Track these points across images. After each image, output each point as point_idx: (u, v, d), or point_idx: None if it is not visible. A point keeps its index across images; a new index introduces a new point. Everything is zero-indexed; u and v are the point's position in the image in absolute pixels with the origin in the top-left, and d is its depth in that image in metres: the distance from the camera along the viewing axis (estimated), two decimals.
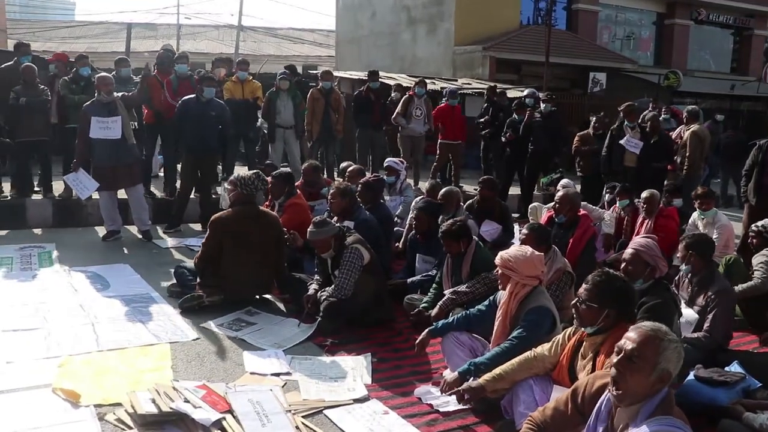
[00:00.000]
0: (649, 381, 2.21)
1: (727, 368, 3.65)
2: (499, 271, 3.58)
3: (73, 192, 7.89)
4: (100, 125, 6.64)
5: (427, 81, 14.10)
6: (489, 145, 11.15)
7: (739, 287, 4.89)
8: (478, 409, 3.37)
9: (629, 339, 2.27)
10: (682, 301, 4.30)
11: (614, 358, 2.28)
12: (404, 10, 21.72)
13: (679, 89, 20.23)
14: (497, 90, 11.94)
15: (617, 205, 7.19)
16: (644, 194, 6.54)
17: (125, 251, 6.68)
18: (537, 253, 3.63)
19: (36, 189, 8.07)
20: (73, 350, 4.01)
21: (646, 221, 6.50)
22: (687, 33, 24.63)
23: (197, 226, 7.88)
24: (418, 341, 3.84)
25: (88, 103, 6.80)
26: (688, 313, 4.19)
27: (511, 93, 14.47)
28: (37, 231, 7.47)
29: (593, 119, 9.79)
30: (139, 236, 7.20)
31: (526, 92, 10.33)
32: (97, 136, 6.67)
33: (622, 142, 8.37)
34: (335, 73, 11.67)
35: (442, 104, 10.46)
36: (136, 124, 7.65)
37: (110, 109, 6.73)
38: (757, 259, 5.12)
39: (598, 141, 9.04)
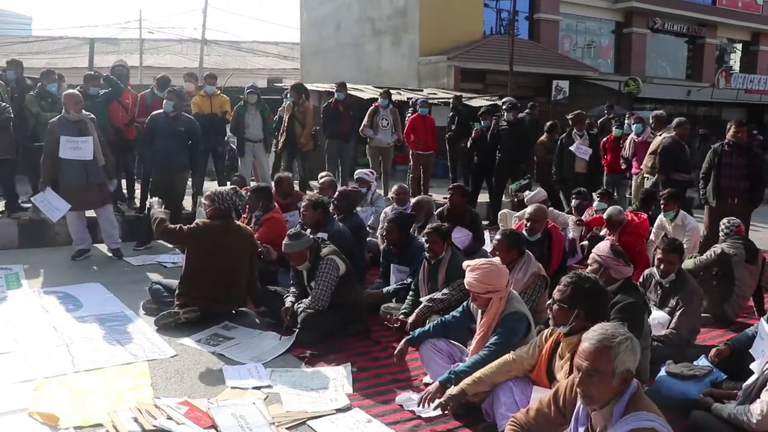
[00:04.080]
0: (613, 385, 2.31)
1: (695, 362, 3.80)
2: (479, 297, 3.57)
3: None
4: (70, 145, 6.49)
5: (393, 92, 14.26)
6: (455, 154, 11.32)
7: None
8: (459, 413, 3.42)
9: (582, 355, 2.34)
10: (652, 303, 4.45)
11: (576, 377, 2.37)
12: (369, 21, 21.90)
13: (639, 95, 20.82)
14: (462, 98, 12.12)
15: (593, 206, 7.40)
16: (606, 213, 6.61)
17: (96, 270, 6.58)
18: (495, 259, 3.76)
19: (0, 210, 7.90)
20: (48, 372, 3.94)
21: (613, 235, 6.62)
22: (644, 41, 25.37)
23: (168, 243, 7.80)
24: (396, 351, 3.87)
25: (54, 120, 6.63)
26: (660, 315, 4.34)
27: (477, 102, 14.71)
28: (2, 253, 7.29)
29: (546, 125, 10.12)
30: (110, 254, 7.11)
31: (504, 99, 10.48)
32: (68, 156, 6.51)
33: (572, 148, 8.73)
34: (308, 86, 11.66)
35: (414, 115, 10.53)
36: None
37: (80, 128, 6.59)
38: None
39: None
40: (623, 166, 9.32)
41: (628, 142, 9.13)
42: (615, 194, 9.62)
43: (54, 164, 6.57)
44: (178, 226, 4.91)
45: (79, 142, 6.53)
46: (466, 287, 3.63)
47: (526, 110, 12.25)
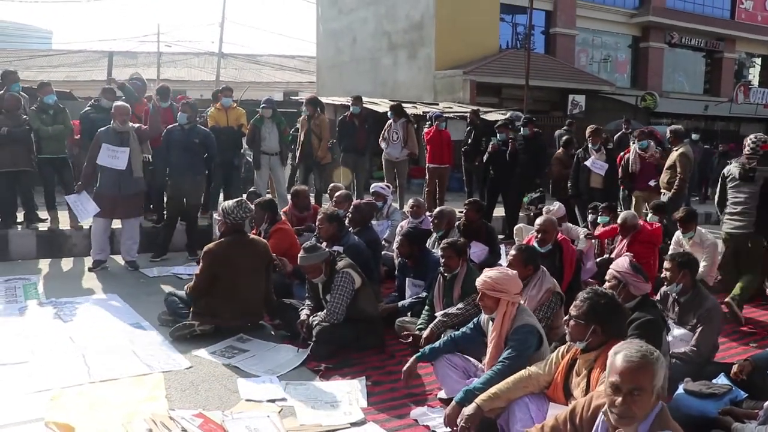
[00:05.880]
0: (651, 402, 2.28)
1: (714, 380, 3.74)
2: (486, 296, 3.60)
3: (70, 220, 7.86)
4: (108, 153, 6.74)
5: (409, 105, 14.30)
6: (471, 168, 11.32)
7: None
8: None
9: (622, 375, 2.26)
10: (671, 321, 4.40)
11: (615, 398, 2.27)
12: (385, 35, 22.03)
13: (655, 110, 20.71)
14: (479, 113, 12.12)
15: (599, 221, 7.36)
16: (620, 217, 6.61)
17: (112, 281, 6.62)
18: (513, 271, 3.75)
19: (19, 221, 7.99)
20: (64, 383, 3.97)
21: (623, 241, 6.58)
22: (661, 56, 25.29)
23: (184, 254, 7.86)
24: (404, 369, 3.85)
25: (102, 129, 6.90)
26: (681, 332, 4.28)
27: (492, 116, 14.72)
28: (21, 263, 7.37)
29: (562, 140, 10.05)
30: (126, 266, 7.16)
31: (508, 115, 10.49)
32: (104, 163, 6.76)
33: (587, 163, 8.67)
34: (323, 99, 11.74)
35: (430, 128, 10.54)
36: (150, 156, 7.70)
37: (123, 139, 6.83)
38: None
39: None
40: (621, 180, 9.06)
41: (632, 156, 8.87)
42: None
43: (94, 171, 6.84)
44: (192, 282, 4.98)
45: (118, 152, 6.77)
46: (477, 286, 3.65)
47: (564, 127, 12.24)
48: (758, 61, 29.33)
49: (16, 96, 7.57)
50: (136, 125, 7.09)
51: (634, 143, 9.17)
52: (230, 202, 5.12)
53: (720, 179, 6.13)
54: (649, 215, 7.07)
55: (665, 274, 4.40)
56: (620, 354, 2.31)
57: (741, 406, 3.48)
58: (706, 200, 14.77)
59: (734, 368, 3.81)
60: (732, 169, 5.83)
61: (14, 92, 7.73)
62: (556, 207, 7.40)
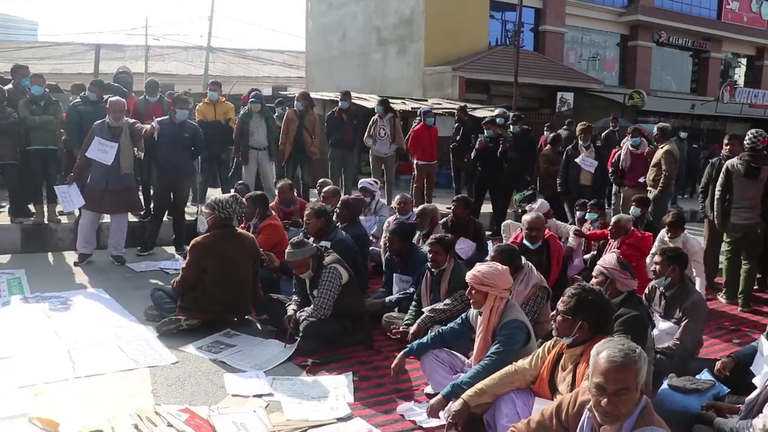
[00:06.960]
0: (636, 398, 2.30)
1: (698, 376, 3.78)
2: (474, 290, 3.62)
3: (45, 217, 7.80)
4: (99, 147, 6.74)
5: (398, 101, 14.28)
6: (459, 165, 11.32)
7: None
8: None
9: (606, 375, 2.28)
10: (657, 314, 4.45)
11: (601, 399, 2.29)
12: (374, 31, 22.01)
13: (643, 108, 20.86)
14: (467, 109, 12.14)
15: (586, 216, 7.38)
16: (615, 217, 6.63)
17: (98, 276, 6.57)
18: (505, 266, 3.77)
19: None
20: (49, 378, 3.94)
21: (613, 242, 6.60)
22: (649, 54, 25.47)
23: (171, 249, 7.82)
24: (393, 365, 3.87)
25: (98, 122, 6.89)
26: (667, 326, 4.33)
27: (481, 112, 14.75)
28: (5, 257, 7.30)
29: (549, 137, 10.08)
30: (112, 260, 7.11)
31: (496, 112, 10.50)
32: (92, 156, 6.76)
33: (577, 160, 8.75)
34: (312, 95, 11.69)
35: (418, 125, 10.52)
36: (142, 154, 7.63)
37: (113, 134, 6.82)
38: None
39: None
40: (611, 176, 9.17)
41: (623, 152, 8.97)
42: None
43: (87, 163, 6.85)
44: (179, 276, 4.95)
45: (107, 146, 6.75)
46: (466, 280, 3.67)
47: (564, 127, 12.30)
48: (744, 61, 29.64)
49: (1, 88, 7.48)
50: (131, 121, 7.04)
51: (627, 140, 9.25)
52: (226, 196, 5.12)
53: (723, 174, 6.27)
54: (632, 208, 7.12)
55: (654, 267, 4.45)
56: (603, 354, 2.33)
57: (724, 401, 3.53)
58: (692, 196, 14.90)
59: (717, 364, 3.86)
60: (737, 165, 6.11)
61: (24, 86, 7.77)
62: (538, 203, 7.43)
